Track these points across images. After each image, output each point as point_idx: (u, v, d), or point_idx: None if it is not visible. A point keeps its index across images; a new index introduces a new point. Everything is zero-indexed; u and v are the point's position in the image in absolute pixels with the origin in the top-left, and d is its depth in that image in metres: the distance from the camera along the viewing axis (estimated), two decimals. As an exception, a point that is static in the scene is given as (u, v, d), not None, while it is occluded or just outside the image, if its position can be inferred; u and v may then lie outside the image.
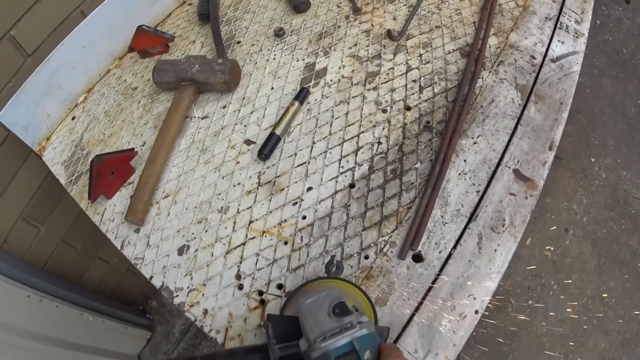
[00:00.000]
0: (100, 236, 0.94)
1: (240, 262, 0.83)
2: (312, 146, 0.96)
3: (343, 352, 0.51)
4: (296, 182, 0.91)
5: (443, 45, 1.09)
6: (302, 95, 1.02)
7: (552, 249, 1.95)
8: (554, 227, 2.01)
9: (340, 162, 0.92)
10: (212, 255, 0.85)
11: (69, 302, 1.35)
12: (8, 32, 0.98)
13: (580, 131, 2.28)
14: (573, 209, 2.07)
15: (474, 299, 0.75)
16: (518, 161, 0.89)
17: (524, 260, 1.92)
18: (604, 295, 1.86)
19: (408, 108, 0.99)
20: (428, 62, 1.06)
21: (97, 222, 0.95)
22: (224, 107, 1.05)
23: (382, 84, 1.03)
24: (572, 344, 1.76)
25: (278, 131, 0.96)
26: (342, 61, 1.09)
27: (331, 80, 1.06)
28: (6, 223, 1.17)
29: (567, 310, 1.83)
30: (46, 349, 1.24)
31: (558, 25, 1.12)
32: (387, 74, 1.05)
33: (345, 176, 0.90)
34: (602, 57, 2.56)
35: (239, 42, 1.19)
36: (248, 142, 0.98)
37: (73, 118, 1.14)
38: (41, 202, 1.25)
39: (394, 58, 1.08)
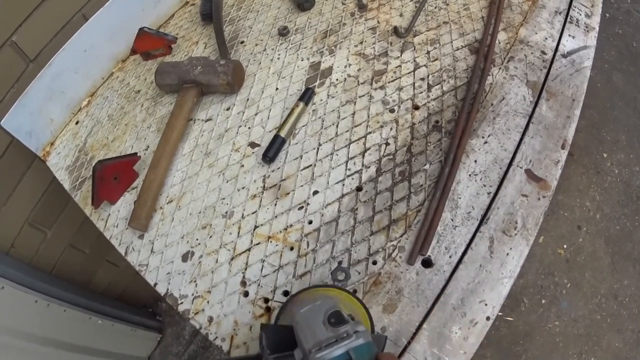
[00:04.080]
0: (107, 240, 0.93)
1: (246, 269, 0.82)
2: (317, 148, 0.94)
3: None
4: (302, 186, 0.89)
5: (451, 42, 1.06)
6: (307, 95, 0.99)
7: (565, 246, 1.92)
8: (567, 225, 1.97)
9: (347, 164, 0.90)
10: (216, 262, 0.84)
11: (78, 306, 1.35)
12: (9, 38, 0.97)
13: (592, 126, 2.24)
14: (586, 206, 2.03)
15: (485, 305, 0.73)
16: (530, 161, 0.87)
17: (537, 259, 1.89)
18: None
19: (416, 107, 0.96)
20: (436, 59, 1.03)
21: (101, 228, 0.94)
22: (228, 109, 1.04)
23: (389, 82, 1.01)
24: (586, 343, 1.73)
25: (283, 133, 0.94)
26: (347, 60, 1.07)
27: (337, 80, 1.04)
28: (13, 228, 1.17)
29: (581, 309, 1.80)
30: (55, 353, 1.24)
31: (568, 19, 1.09)
32: (394, 72, 1.03)
33: (352, 179, 0.88)
34: (613, 50, 2.51)
35: (242, 42, 1.18)
36: (252, 144, 0.97)
37: (77, 123, 1.14)
38: (47, 207, 1.24)
39: (401, 55, 1.05)
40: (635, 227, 1.99)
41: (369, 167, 0.89)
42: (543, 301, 1.81)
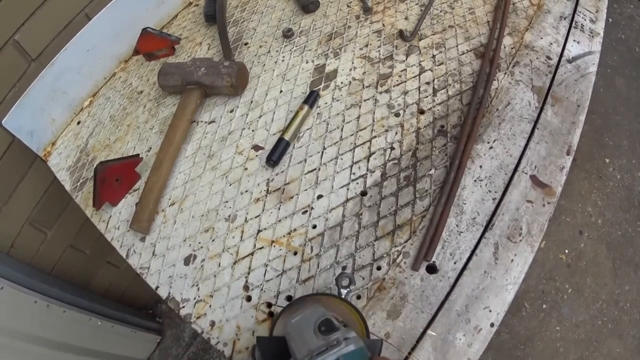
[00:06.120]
0: (108, 241, 0.92)
1: (249, 273, 0.81)
2: (322, 152, 0.93)
3: None
4: (306, 190, 0.88)
5: (457, 46, 1.06)
6: (311, 98, 0.99)
7: (566, 251, 1.92)
8: (569, 230, 1.97)
9: (351, 168, 0.90)
10: (219, 266, 0.83)
11: (77, 307, 1.34)
12: (12, 37, 0.97)
13: (594, 131, 2.23)
14: (588, 211, 2.02)
15: (490, 311, 0.72)
16: (535, 167, 0.86)
17: (539, 264, 1.88)
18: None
19: (422, 111, 0.96)
20: (442, 64, 1.03)
21: (102, 230, 0.93)
22: (231, 111, 1.03)
23: (394, 86, 1.00)
24: (587, 348, 1.73)
25: (287, 136, 0.93)
26: (353, 63, 1.06)
27: (342, 83, 1.03)
28: (13, 228, 1.16)
29: (582, 314, 1.79)
30: (54, 354, 1.24)
31: (573, 24, 1.08)
32: (400, 75, 1.02)
33: (357, 183, 0.88)
34: (615, 55, 2.51)
35: (246, 44, 1.17)
36: (256, 147, 0.96)
37: (78, 123, 1.13)
38: (48, 207, 1.24)
39: (406, 59, 1.05)
40: (637, 232, 1.98)
41: (374, 171, 0.89)
42: (544, 306, 1.81)
